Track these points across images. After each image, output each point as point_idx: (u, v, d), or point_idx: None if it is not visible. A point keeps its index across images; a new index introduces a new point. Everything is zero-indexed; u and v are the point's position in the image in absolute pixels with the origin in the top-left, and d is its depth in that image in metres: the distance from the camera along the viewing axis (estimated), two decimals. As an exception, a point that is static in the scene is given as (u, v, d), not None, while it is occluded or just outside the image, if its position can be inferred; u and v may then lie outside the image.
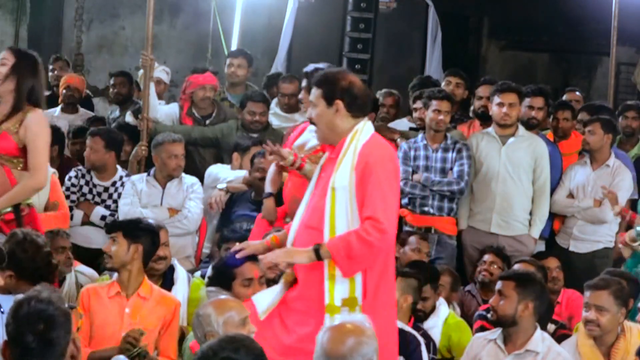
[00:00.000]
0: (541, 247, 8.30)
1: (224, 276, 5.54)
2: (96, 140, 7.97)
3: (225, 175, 8.01)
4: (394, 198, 4.93)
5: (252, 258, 5.45)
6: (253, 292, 5.43)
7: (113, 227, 6.06)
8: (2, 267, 5.21)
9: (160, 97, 9.57)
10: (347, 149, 5.02)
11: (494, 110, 8.15)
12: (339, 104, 5.02)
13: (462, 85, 9.38)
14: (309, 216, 5.12)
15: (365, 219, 4.86)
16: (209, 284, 5.70)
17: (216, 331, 4.87)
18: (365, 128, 5.07)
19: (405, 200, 8.15)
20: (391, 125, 9.02)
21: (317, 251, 4.91)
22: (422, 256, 7.38)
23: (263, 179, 7.47)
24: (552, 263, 7.51)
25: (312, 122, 5.20)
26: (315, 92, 5.09)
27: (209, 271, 5.86)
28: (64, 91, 9.95)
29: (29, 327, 3.77)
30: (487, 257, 7.58)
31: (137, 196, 7.79)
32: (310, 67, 6.47)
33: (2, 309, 5.19)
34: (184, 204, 7.78)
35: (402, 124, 9.14)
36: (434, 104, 8.07)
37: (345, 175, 4.96)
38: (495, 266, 7.48)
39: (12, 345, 3.81)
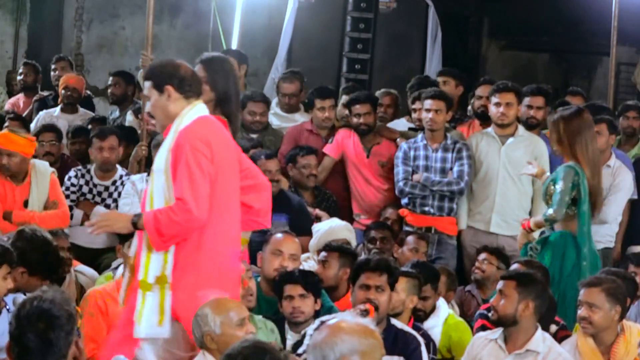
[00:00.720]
0: (540, 247, 8.30)
1: None
2: (112, 140, 8.01)
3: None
4: (202, 180, 4.98)
5: None
6: (242, 289, 5.48)
7: None
8: (13, 267, 5.24)
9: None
10: (170, 132, 5.12)
11: (491, 110, 8.16)
12: (169, 89, 5.12)
13: (450, 82, 9.34)
14: (142, 201, 5.28)
15: (176, 199, 4.96)
16: None
17: (213, 331, 4.86)
18: (192, 111, 5.14)
19: (405, 200, 8.16)
20: (390, 125, 9.02)
21: (135, 222, 5.04)
22: (419, 256, 7.36)
23: (270, 182, 7.45)
24: None
25: (150, 116, 5.27)
26: (146, 85, 5.23)
27: None
28: (63, 91, 9.96)
29: (29, 326, 3.80)
30: (481, 256, 7.59)
31: (137, 196, 7.78)
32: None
33: (7, 307, 5.22)
34: (183, 203, 7.77)
35: (401, 124, 9.13)
36: (426, 103, 8.11)
37: (162, 158, 5.06)
38: (487, 263, 7.47)
39: (13, 343, 3.83)
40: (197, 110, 5.15)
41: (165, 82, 5.12)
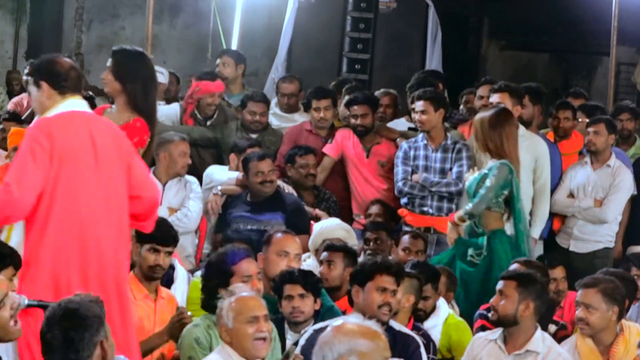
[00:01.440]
0: (540, 247, 8.29)
1: (222, 274, 5.55)
2: None
3: (219, 177, 8.01)
4: (33, 169, 5.00)
5: (250, 255, 5.66)
6: (251, 289, 5.47)
7: (171, 239, 6.03)
8: (17, 269, 5.29)
9: (159, 97, 9.55)
10: None
11: (488, 110, 8.17)
12: (43, 84, 5.22)
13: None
14: None
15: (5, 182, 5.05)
16: (204, 280, 5.69)
17: (226, 324, 4.97)
18: (60, 106, 5.19)
19: (404, 200, 8.16)
20: (390, 125, 9.02)
21: None
22: (411, 255, 7.32)
23: (262, 183, 7.48)
24: (559, 273, 7.19)
25: (34, 112, 5.42)
26: (29, 80, 5.35)
27: (204, 267, 5.86)
28: (63, 91, 9.94)
29: (54, 324, 3.94)
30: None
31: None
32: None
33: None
34: (183, 203, 7.77)
35: (401, 124, 9.13)
36: (415, 105, 8.13)
37: None
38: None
39: (41, 339, 3.98)
40: (66, 105, 5.20)
41: (40, 78, 5.23)
